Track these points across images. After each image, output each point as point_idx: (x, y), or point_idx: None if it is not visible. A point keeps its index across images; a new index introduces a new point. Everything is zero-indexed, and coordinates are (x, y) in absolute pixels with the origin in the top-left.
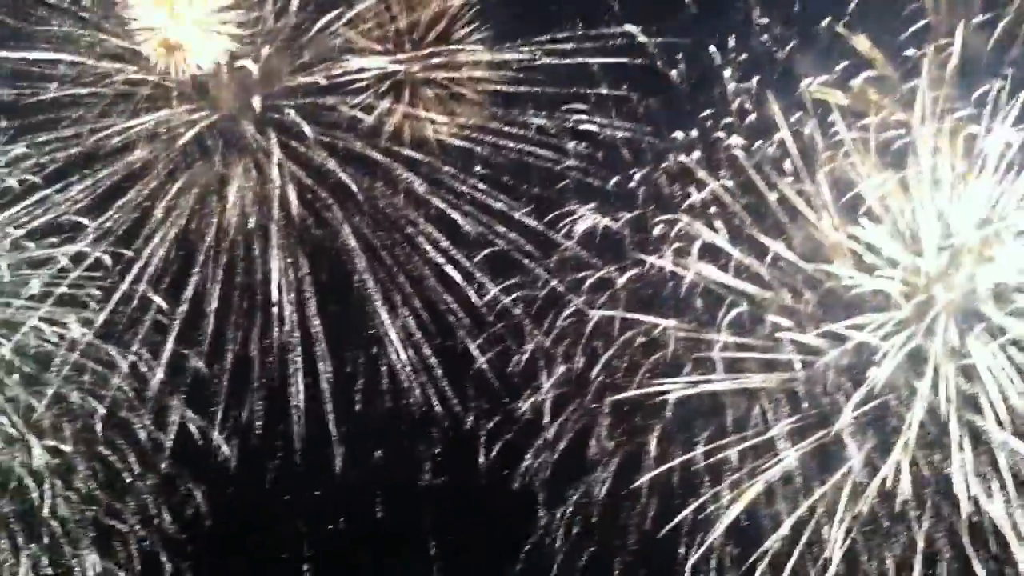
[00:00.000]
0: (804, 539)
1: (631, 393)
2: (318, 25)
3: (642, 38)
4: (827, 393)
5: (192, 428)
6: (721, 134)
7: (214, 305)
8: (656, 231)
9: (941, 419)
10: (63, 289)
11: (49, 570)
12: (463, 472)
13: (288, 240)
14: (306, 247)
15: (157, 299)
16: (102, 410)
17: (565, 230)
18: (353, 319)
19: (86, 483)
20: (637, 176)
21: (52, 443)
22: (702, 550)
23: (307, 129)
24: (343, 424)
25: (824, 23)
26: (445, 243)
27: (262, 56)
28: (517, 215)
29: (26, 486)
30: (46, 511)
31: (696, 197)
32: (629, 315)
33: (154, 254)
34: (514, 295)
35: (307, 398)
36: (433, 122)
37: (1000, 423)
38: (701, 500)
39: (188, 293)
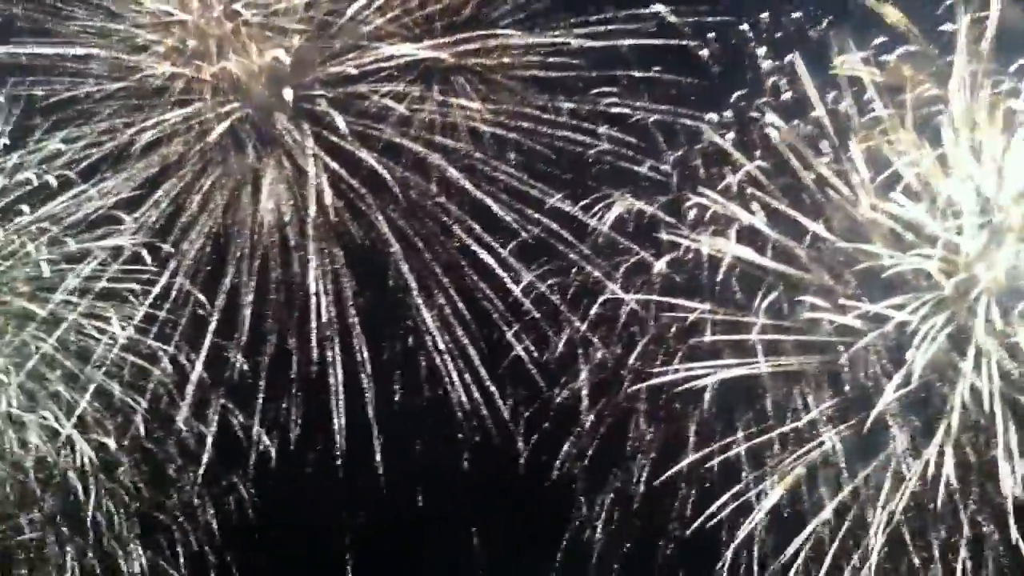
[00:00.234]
0: (847, 524)
1: (669, 378)
2: (348, 13)
3: (672, 18)
4: (868, 375)
5: (232, 421)
6: (755, 114)
7: (251, 298)
8: (691, 215)
9: (984, 400)
10: (103, 284)
11: (96, 564)
12: (502, 461)
13: (323, 231)
14: (342, 238)
15: (196, 292)
16: (144, 404)
17: (599, 215)
18: (390, 309)
19: (130, 477)
20: (671, 159)
21: (96, 438)
22: (743, 535)
23: (339, 119)
24: (382, 414)
25: None
26: (479, 230)
27: (293, 46)
28: (551, 201)
29: (71, 482)
30: (91, 507)
31: (732, 179)
32: (665, 299)
33: (191, 248)
34: (549, 282)
35: (346, 389)
36: (465, 108)
37: None
38: (741, 484)
39: (225, 286)
